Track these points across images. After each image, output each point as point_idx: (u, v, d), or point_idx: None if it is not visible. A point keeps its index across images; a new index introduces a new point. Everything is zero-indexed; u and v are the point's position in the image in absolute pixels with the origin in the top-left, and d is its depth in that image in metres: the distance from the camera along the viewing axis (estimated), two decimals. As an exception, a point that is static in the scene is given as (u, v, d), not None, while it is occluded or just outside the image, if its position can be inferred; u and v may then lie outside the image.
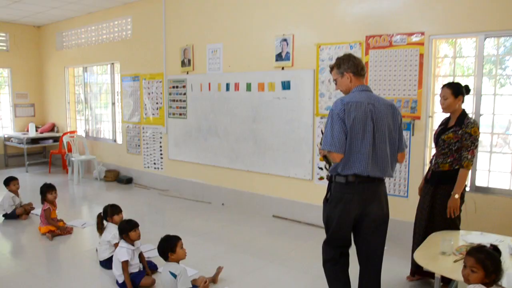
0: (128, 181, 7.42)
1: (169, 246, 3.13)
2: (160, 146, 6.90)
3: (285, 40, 5.11)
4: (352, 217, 2.70)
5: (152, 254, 4.04)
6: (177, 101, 6.51)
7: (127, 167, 7.59)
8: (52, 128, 9.09)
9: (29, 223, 5.09)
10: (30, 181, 7.70)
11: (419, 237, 3.26)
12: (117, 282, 3.43)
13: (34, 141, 8.64)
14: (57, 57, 8.94)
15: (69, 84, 8.82)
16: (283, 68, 5.14)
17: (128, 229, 3.49)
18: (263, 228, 4.96)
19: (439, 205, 3.18)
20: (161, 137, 6.86)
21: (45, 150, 9.31)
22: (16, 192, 5.38)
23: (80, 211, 5.91)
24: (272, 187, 5.41)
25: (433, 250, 2.74)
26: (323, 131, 2.71)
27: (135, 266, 3.49)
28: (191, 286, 3.11)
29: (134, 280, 3.39)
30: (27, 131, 8.76)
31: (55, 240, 4.55)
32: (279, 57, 5.18)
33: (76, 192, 6.99)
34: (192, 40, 6.16)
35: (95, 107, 8.45)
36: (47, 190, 4.83)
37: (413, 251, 3.29)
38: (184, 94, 6.37)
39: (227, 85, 5.78)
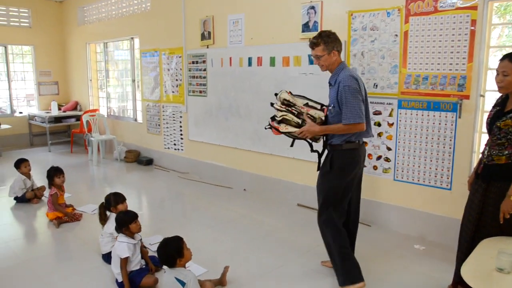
0: (148, 162, 7.11)
1: (177, 250, 2.67)
2: (180, 126, 6.51)
3: (312, 8, 4.51)
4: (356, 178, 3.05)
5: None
6: (196, 77, 6.05)
7: (147, 147, 7.28)
8: (75, 107, 8.88)
9: (39, 207, 4.84)
10: (52, 161, 7.51)
11: (465, 243, 2.68)
12: (116, 281, 3.08)
13: (57, 120, 8.47)
14: (78, 33, 8.65)
15: (91, 60, 8.52)
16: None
17: (128, 221, 3.11)
18: (286, 218, 4.50)
19: (492, 206, 2.54)
20: (181, 116, 6.46)
21: (69, 129, 9.15)
22: (27, 175, 5.13)
23: (95, 195, 5.61)
24: (297, 173, 4.91)
25: (486, 265, 2.17)
26: (330, 105, 2.96)
27: (136, 263, 3.12)
28: None
29: (134, 280, 3.02)
30: (50, 109, 8.59)
31: (61, 228, 4.26)
32: (305, 27, 4.60)
33: (94, 174, 6.74)
34: (212, 11, 5.65)
35: (116, 85, 8.15)
36: (54, 174, 4.53)
37: (458, 258, 2.74)
38: (204, 70, 5.91)
39: (249, 60, 5.26)
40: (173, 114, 6.59)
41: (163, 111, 6.76)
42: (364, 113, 2.82)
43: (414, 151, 3.89)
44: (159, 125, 6.91)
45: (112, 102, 8.25)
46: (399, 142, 3.97)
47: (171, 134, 6.73)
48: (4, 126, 7.86)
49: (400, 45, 3.88)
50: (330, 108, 2.94)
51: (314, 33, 4.34)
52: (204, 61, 5.89)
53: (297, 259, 3.50)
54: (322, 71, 3.05)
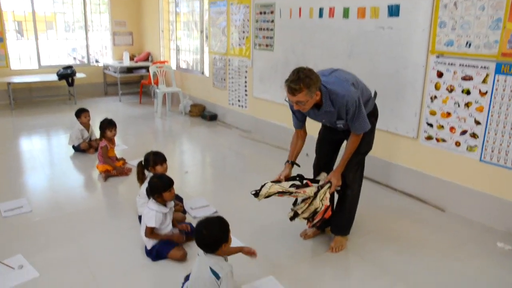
0: (212, 118, 6.87)
1: (225, 233, 2.18)
2: (245, 82, 6.12)
3: None
4: None
5: (202, 213, 3.41)
6: (263, 29, 5.54)
7: (212, 102, 7.02)
8: (147, 58, 8.83)
9: (95, 158, 4.80)
10: (120, 111, 7.59)
11: None
12: (145, 248, 2.85)
13: (128, 70, 8.49)
14: (152, -20, 8.44)
15: (163, 11, 8.30)
16: (391, -14, 3.83)
17: (161, 188, 2.81)
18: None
19: None
20: (246, 71, 6.05)
21: (141, 80, 9.18)
22: (87, 125, 5.10)
23: (152, 149, 5.52)
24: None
25: None
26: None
27: (166, 233, 2.85)
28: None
29: (161, 251, 2.77)
30: (123, 60, 8.63)
31: (108, 182, 4.16)
32: (387, -29, 3.86)
33: (157, 127, 6.64)
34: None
35: (186, 36, 7.89)
36: (106, 127, 4.40)
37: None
38: (272, 21, 5.37)
39: (320, 10, 4.62)
40: (239, 68, 6.20)
41: (229, 64, 6.39)
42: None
43: (511, 129, 3.13)
44: (224, 79, 6.58)
45: (182, 54, 8.04)
46: (491, 115, 3.20)
47: (235, 90, 6.39)
48: (79, 75, 8.03)
49: (507, -8, 3.05)
50: (340, 124, 2.68)
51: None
52: (272, 12, 5.34)
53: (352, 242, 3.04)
54: (304, 111, 2.66)
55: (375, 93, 2.96)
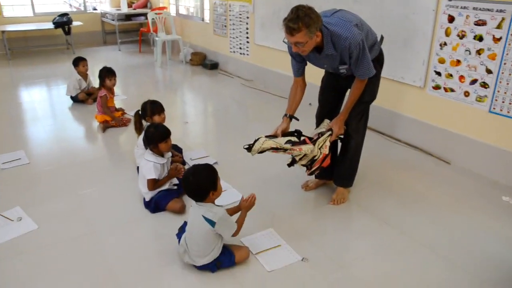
0: (213, 66, 6.68)
1: (211, 180, 2.09)
2: (247, 28, 5.88)
3: None
4: None
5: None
6: (265, -28, 5.25)
7: (214, 50, 6.81)
8: (146, 4, 8.49)
9: (93, 109, 4.69)
10: (119, 60, 7.40)
11: None
12: (144, 200, 2.82)
13: (127, 17, 8.20)
14: None
15: (161, -49, 7.90)
16: None
17: (157, 138, 2.74)
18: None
19: None
20: (247, 17, 5.80)
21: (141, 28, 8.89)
22: (84, 75, 4.96)
23: (151, 98, 5.42)
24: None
25: None
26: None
27: (164, 185, 2.82)
28: (235, 229, 2.22)
29: (159, 202, 2.73)
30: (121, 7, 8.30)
31: (107, 132, 4.10)
32: None
33: (156, 76, 6.49)
34: None
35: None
36: (106, 75, 4.28)
37: None
38: (274, -38, 5.07)
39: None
40: (240, 14, 5.94)
41: (230, 10, 6.12)
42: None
43: (525, 77, 2.97)
44: (225, 26, 6.33)
45: (181, 0, 7.71)
46: (504, 63, 3.02)
47: (237, 37, 6.15)
48: (76, 23, 7.76)
49: None
50: (343, 69, 2.52)
51: None
52: (274, -48, 5.03)
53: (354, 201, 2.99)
54: (304, 55, 2.48)
55: (382, 38, 2.79)
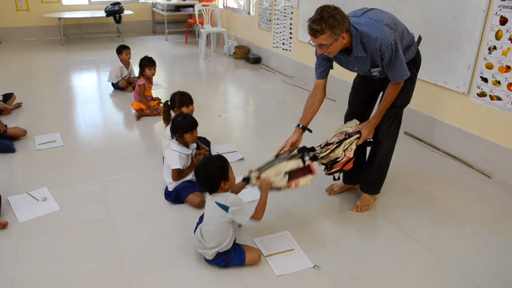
0: (256, 61, 6.63)
1: (222, 171, 2.11)
2: (290, 24, 5.77)
3: None
4: None
5: (228, 159, 3.30)
6: (313, -34, 5.11)
7: (257, 44, 6.75)
8: (196, -5, 8.57)
9: (131, 96, 4.78)
10: (165, 50, 7.52)
11: None
12: (165, 189, 2.82)
13: (176, 8, 8.31)
14: None
15: None
16: None
17: (184, 129, 2.72)
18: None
19: None
20: (292, 12, 5.68)
21: (189, 19, 8.99)
22: (126, 63, 5.07)
23: (189, 90, 5.45)
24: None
25: None
26: None
27: (187, 175, 2.80)
28: (252, 211, 2.18)
29: (179, 193, 2.72)
30: (171, -3, 8.43)
31: (141, 121, 4.16)
32: None
33: (199, 67, 6.51)
34: None
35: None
36: (146, 65, 4.34)
37: None
38: (322, -43, 4.92)
39: None
40: (285, 9, 5.84)
41: (275, 4, 6.03)
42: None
43: None
44: (269, 20, 6.25)
45: (230, -8, 7.71)
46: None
47: (280, 32, 6.06)
48: (127, 12, 7.96)
49: None
50: (375, 72, 2.40)
51: None
52: None
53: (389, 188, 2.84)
54: (331, 57, 2.38)
55: (419, 38, 2.60)
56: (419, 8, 3.64)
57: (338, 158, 2.42)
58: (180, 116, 2.81)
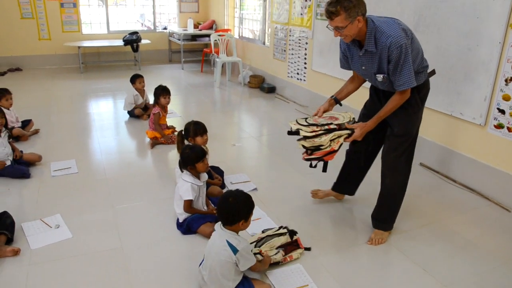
0: (270, 90, 6.69)
1: (248, 210, 2.09)
2: (305, 54, 5.83)
3: None
4: None
5: (241, 189, 3.28)
6: (327, -2, 5.20)
7: (272, 74, 6.83)
8: (212, 26, 8.76)
9: (146, 124, 4.83)
10: (181, 78, 7.64)
11: None
12: (177, 220, 2.81)
13: (192, 38, 8.49)
14: None
15: (229, -24, 8.14)
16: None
17: (194, 159, 2.73)
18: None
19: None
20: (306, 43, 5.76)
21: (205, 48, 9.16)
22: (141, 91, 5.16)
23: (204, 119, 5.47)
24: (425, 125, 3.88)
25: None
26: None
27: (199, 206, 2.79)
28: (254, 262, 2.15)
29: (191, 224, 2.70)
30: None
31: (155, 149, 4.19)
32: None
33: (214, 96, 6.58)
34: None
35: (250, 4, 7.67)
36: (161, 93, 4.41)
37: None
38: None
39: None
40: (299, 39, 5.92)
41: (290, 35, 6.12)
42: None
43: None
44: (284, 50, 6.33)
45: (245, 23, 7.86)
46: None
47: (295, 62, 6.13)
48: (144, 41, 8.16)
49: None
50: (380, 78, 2.40)
51: None
52: (337, -21, 4.97)
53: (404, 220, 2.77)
54: (347, 42, 2.41)
55: (433, 71, 2.61)
56: (434, 40, 3.66)
57: (322, 146, 2.41)
58: (187, 149, 2.82)
